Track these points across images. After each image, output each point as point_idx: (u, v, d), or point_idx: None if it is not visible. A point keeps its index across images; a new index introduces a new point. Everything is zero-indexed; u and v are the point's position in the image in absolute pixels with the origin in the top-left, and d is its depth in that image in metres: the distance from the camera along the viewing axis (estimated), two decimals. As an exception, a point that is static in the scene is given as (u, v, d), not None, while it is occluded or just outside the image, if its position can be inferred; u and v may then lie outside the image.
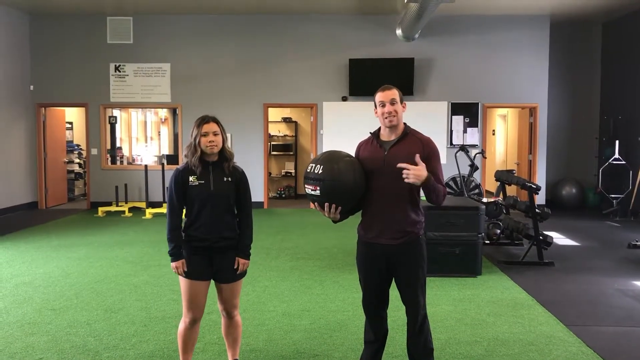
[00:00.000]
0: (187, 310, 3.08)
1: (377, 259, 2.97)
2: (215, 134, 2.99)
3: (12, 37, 10.23)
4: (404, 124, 2.99)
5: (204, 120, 3.01)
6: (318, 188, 2.81)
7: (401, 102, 2.95)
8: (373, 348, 3.13)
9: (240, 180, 3.17)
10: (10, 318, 4.32)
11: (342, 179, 2.80)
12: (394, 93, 2.93)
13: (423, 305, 2.98)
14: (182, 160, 3.08)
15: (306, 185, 2.90)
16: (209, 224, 3.01)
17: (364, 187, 2.90)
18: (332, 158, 2.88)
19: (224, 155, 3.08)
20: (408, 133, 2.95)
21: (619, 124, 10.50)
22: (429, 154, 2.86)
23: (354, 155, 3.05)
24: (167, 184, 10.18)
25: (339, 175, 2.80)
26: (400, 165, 2.76)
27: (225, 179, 3.07)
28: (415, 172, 2.73)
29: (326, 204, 2.83)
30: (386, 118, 2.91)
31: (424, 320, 2.99)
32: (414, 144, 2.89)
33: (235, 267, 3.09)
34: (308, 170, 2.89)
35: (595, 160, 11.16)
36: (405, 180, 2.74)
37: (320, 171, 2.81)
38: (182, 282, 3.05)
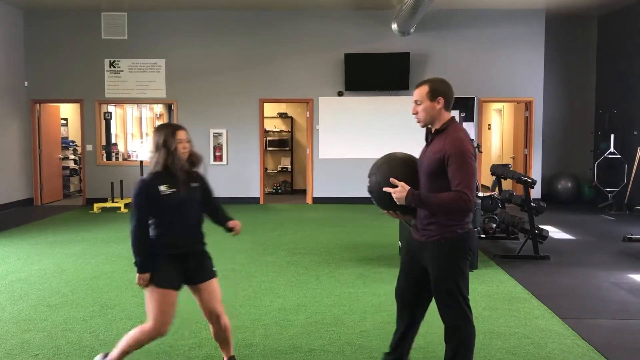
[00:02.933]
0: (157, 323, 2.95)
1: (415, 253, 2.89)
2: (187, 141, 3.03)
3: (6, 33, 10.17)
4: (451, 118, 2.81)
5: (175, 127, 3.02)
6: (372, 199, 2.96)
7: (435, 98, 2.77)
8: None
9: (205, 183, 3.20)
10: (5, 314, 4.31)
11: (380, 188, 2.84)
12: (418, 93, 2.82)
13: (450, 316, 2.76)
14: (151, 169, 3.01)
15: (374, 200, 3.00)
16: (185, 230, 3.03)
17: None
18: (377, 166, 2.93)
19: (192, 161, 3.08)
20: (442, 131, 2.77)
21: (614, 118, 10.52)
22: (448, 155, 2.64)
23: None
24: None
25: (377, 185, 2.87)
26: (384, 189, 2.77)
27: (193, 184, 3.08)
28: (395, 195, 2.72)
29: (386, 211, 2.93)
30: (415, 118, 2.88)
31: (452, 335, 2.77)
32: (438, 144, 2.73)
33: (232, 226, 3.23)
34: (367, 184, 2.97)
35: (591, 154, 11.19)
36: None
37: (369, 183, 2.93)
38: (153, 293, 2.94)
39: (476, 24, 10.62)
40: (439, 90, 2.79)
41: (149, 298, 2.98)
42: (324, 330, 3.96)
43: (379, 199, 2.87)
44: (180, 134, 2.98)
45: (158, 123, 13.84)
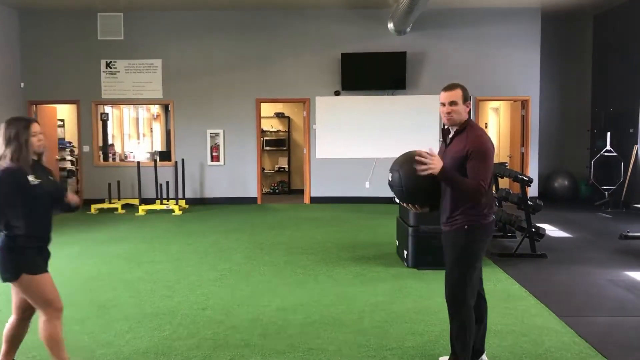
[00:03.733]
0: (54, 302, 3.05)
1: (445, 244, 3.17)
2: (40, 133, 3.10)
3: (1, 34, 10.15)
4: (468, 120, 3.09)
5: (29, 121, 3.08)
6: (393, 192, 3.21)
7: (465, 100, 3.07)
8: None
9: (53, 175, 3.26)
10: (2, 316, 4.30)
11: (406, 183, 3.09)
12: (455, 94, 3.05)
13: (452, 297, 3.06)
14: (5, 162, 2.99)
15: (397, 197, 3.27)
16: (48, 220, 3.11)
17: (431, 183, 3.03)
18: (400, 163, 3.17)
19: (41, 154, 3.14)
20: (463, 130, 3.06)
21: (610, 116, 10.54)
22: (470, 152, 2.93)
23: None
24: (160, 181, 10.22)
25: (399, 180, 3.12)
26: (416, 157, 2.94)
27: (49, 176, 3.17)
28: (429, 163, 2.90)
29: (405, 204, 3.22)
30: (445, 117, 3.09)
31: (456, 312, 3.06)
32: (461, 141, 3.02)
33: (70, 199, 3.26)
34: (389, 178, 3.23)
35: (587, 152, 11.22)
36: (419, 173, 2.93)
37: (390, 178, 3.19)
38: (41, 279, 2.99)
39: (472, 23, 10.63)
40: (467, 94, 3.11)
41: (40, 287, 3.00)
42: (322, 330, 3.96)
43: (400, 193, 3.15)
44: (35, 127, 3.06)
45: (155, 124, 13.86)
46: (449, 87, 3.09)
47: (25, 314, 3.18)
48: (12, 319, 3.20)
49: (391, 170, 3.20)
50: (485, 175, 2.92)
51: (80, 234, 7.74)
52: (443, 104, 3.08)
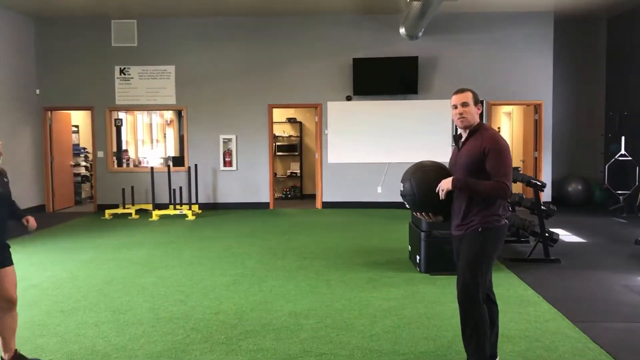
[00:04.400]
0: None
1: (457, 247, 3.21)
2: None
3: (17, 42, 10.30)
4: (480, 122, 3.15)
5: None
6: (406, 202, 3.26)
7: (476, 103, 3.13)
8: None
9: (7, 179, 3.34)
10: (19, 320, 4.33)
11: (419, 192, 3.16)
12: (466, 96, 3.11)
13: (467, 300, 3.05)
14: None
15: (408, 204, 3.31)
16: (3, 223, 3.27)
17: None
18: (411, 172, 3.23)
19: None
20: (476, 131, 3.11)
21: (624, 120, 10.46)
22: (487, 149, 2.98)
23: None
24: (173, 186, 10.28)
25: (410, 189, 3.18)
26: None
27: (4, 179, 3.26)
28: (442, 185, 3.05)
29: (419, 214, 3.26)
30: (458, 119, 3.14)
31: (469, 313, 3.06)
32: (476, 140, 3.06)
33: (27, 224, 3.42)
34: (401, 188, 3.29)
35: (601, 157, 11.13)
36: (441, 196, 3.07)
37: (402, 188, 3.24)
38: None
39: (484, 27, 10.61)
40: (478, 98, 3.17)
41: None
42: (334, 335, 3.97)
43: (413, 202, 3.20)
44: None
45: (168, 129, 13.97)
46: (460, 90, 3.16)
47: (5, 306, 3.31)
48: None
49: (403, 181, 3.25)
50: (506, 171, 2.95)
51: (94, 239, 7.81)
52: (455, 106, 3.13)
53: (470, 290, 3.03)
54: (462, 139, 3.18)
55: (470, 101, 3.10)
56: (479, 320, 3.03)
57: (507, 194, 2.95)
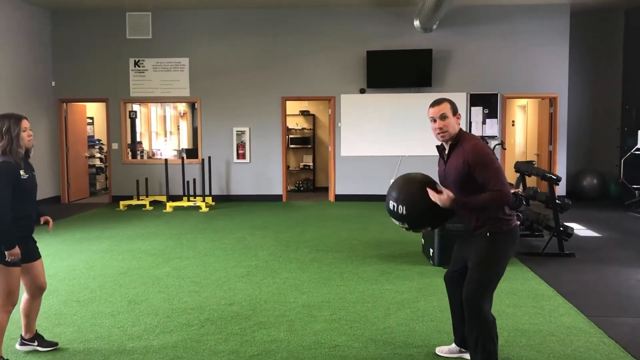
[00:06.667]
0: (11, 297, 3.22)
1: (461, 243, 3.26)
2: (31, 129, 3.31)
3: (34, 34, 10.37)
4: (460, 131, 3.06)
5: (19, 117, 3.26)
6: (406, 223, 3.15)
7: (455, 113, 3.05)
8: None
9: (35, 172, 3.46)
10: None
11: (422, 211, 3.07)
12: (444, 107, 3.03)
13: (472, 305, 2.98)
14: None
15: (395, 221, 3.23)
16: (33, 213, 3.39)
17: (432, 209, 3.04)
18: (408, 191, 3.11)
19: (28, 150, 3.34)
20: (457, 143, 3.03)
21: (641, 114, 10.33)
22: (472, 163, 2.91)
23: None
24: (187, 178, 10.34)
25: (414, 209, 3.08)
26: (431, 197, 2.97)
27: (33, 172, 3.37)
28: (441, 202, 2.95)
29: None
30: (438, 134, 3.05)
31: (474, 319, 2.98)
32: (458, 156, 2.99)
33: (50, 225, 3.69)
34: (391, 210, 3.16)
35: (617, 151, 11.02)
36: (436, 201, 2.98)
37: (404, 212, 3.09)
38: (11, 271, 3.19)
39: (499, 19, 10.52)
40: (455, 107, 3.07)
41: (6, 277, 3.19)
42: (348, 327, 3.98)
43: (400, 217, 3.13)
44: (25, 123, 3.26)
45: (182, 121, 14.02)
46: (437, 102, 3.07)
47: (35, 293, 3.51)
48: (25, 297, 3.52)
49: (399, 201, 3.12)
50: (497, 178, 2.87)
51: (109, 230, 7.89)
52: (434, 120, 3.04)
53: (476, 297, 2.97)
54: (446, 151, 3.11)
55: (449, 112, 3.01)
56: (484, 329, 2.96)
57: (506, 199, 2.88)
